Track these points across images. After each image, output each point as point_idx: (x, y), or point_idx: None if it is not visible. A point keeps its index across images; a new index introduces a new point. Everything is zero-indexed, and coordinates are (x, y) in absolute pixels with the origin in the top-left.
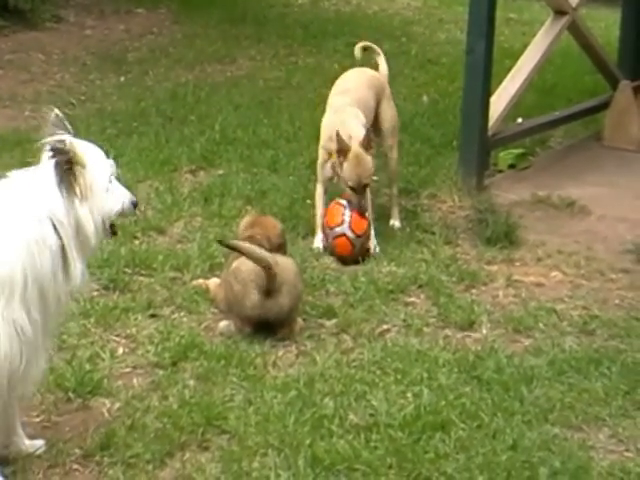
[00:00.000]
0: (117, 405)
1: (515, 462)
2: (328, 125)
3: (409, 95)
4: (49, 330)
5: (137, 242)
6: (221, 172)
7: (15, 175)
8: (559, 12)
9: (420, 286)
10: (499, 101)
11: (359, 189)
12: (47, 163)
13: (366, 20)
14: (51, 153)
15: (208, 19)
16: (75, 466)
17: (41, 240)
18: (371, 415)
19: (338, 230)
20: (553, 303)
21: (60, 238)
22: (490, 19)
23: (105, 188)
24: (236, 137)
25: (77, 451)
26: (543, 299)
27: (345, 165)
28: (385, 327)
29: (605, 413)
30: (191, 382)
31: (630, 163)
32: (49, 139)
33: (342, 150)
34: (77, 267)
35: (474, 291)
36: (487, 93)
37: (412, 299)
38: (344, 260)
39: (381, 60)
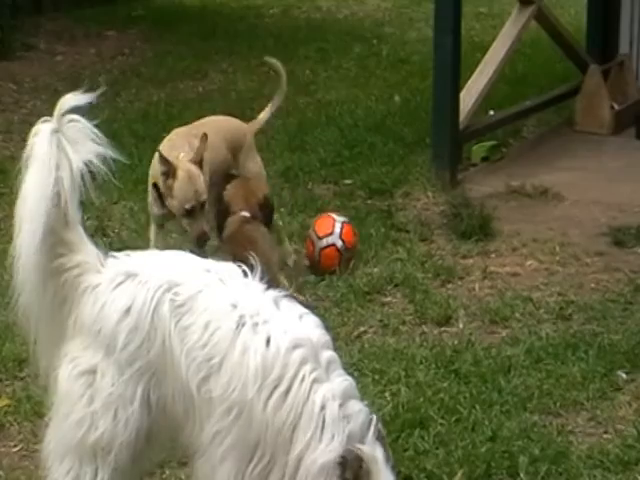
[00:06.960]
0: None
1: (495, 453)
2: None
3: (381, 96)
4: None
5: None
6: None
7: None
8: (524, 2)
9: (396, 285)
10: (469, 95)
11: None
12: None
13: (337, 25)
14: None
15: (179, 36)
16: None
17: None
18: None
19: (329, 240)
20: (529, 292)
21: None
22: (456, 14)
23: None
24: None
25: None
26: (519, 288)
27: None
28: (362, 329)
29: (583, 397)
30: None
31: (601, 146)
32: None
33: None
34: None
35: (450, 286)
36: (456, 88)
37: (388, 299)
38: (326, 272)
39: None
